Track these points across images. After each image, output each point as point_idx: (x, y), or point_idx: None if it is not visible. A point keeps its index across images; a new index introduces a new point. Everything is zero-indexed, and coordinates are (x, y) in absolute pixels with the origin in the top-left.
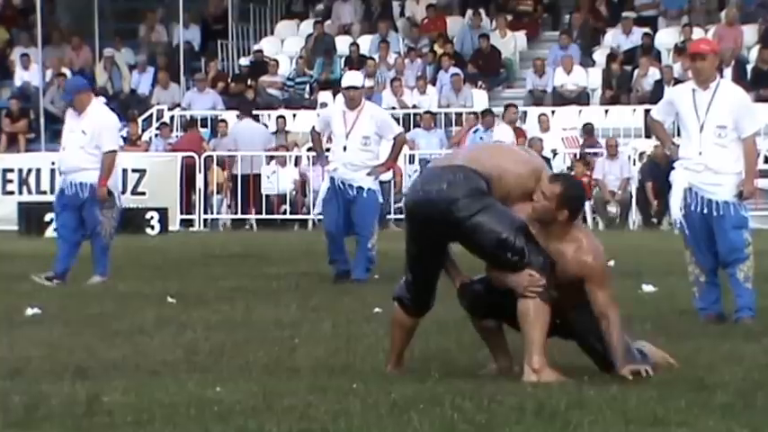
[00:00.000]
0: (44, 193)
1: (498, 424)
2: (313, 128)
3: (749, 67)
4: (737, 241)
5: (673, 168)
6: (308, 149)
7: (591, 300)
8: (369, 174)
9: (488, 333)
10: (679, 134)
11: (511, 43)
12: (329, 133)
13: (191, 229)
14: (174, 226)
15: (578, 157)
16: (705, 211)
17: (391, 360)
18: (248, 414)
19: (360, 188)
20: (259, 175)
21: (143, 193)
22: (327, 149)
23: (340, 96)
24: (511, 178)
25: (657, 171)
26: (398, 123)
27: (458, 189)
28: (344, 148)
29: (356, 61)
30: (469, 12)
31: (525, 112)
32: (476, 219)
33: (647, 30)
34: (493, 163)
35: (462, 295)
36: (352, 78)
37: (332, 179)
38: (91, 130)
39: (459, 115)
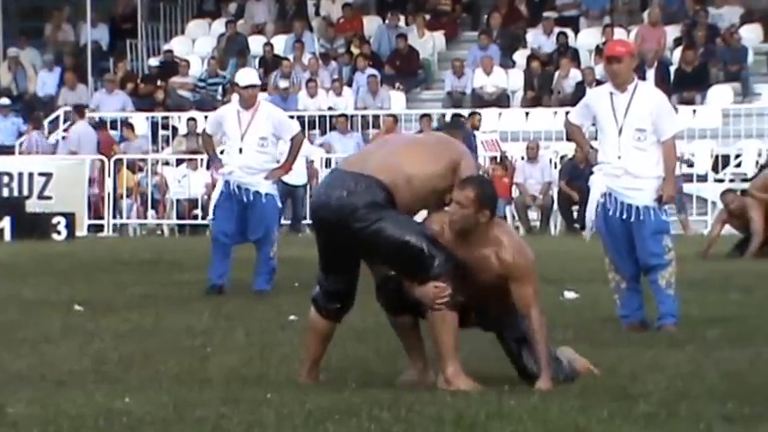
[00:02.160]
0: None
1: None
2: (204, 130)
3: (672, 69)
4: (657, 247)
5: (592, 173)
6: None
7: (514, 298)
8: (266, 178)
9: (404, 331)
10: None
11: (429, 44)
12: (221, 135)
13: (99, 234)
14: (81, 231)
15: (499, 160)
16: (624, 216)
17: (305, 368)
18: (158, 426)
19: (257, 193)
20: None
21: (49, 198)
22: (221, 152)
23: (235, 96)
24: (420, 182)
25: (577, 174)
26: (314, 126)
27: (358, 198)
28: (240, 151)
29: (270, 62)
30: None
31: (443, 115)
32: (374, 227)
33: (565, 30)
34: (401, 168)
35: (379, 291)
36: (250, 77)
37: (227, 183)
38: None
39: (376, 117)
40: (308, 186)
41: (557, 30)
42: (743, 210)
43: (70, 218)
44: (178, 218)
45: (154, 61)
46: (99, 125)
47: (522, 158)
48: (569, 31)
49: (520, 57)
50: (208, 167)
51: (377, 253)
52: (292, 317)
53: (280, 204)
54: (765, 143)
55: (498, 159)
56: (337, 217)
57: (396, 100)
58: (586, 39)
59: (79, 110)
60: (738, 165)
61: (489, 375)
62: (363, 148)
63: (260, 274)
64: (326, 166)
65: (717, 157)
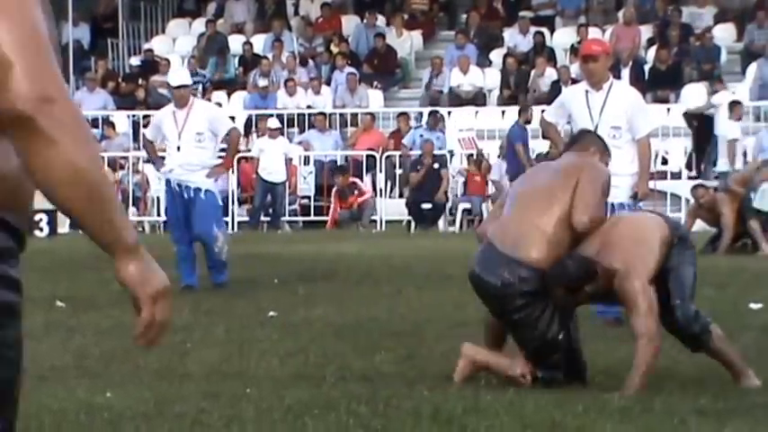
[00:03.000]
0: None
1: (394, 429)
2: (143, 136)
3: (647, 68)
4: None
5: None
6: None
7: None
8: (208, 176)
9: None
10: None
11: (407, 43)
12: (162, 138)
13: (81, 231)
14: (63, 228)
15: (475, 157)
16: None
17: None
18: (139, 420)
19: (197, 189)
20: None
21: None
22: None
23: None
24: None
25: None
26: (293, 125)
27: (513, 290)
28: (178, 149)
29: (250, 60)
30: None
31: (421, 113)
32: (524, 314)
33: (541, 29)
34: (543, 231)
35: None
36: (181, 77)
37: (168, 182)
38: None
39: (354, 116)
40: (287, 184)
41: (533, 29)
42: (713, 204)
43: (52, 215)
44: (159, 215)
45: (135, 60)
46: None
47: (498, 156)
48: (545, 31)
49: (496, 56)
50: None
51: (519, 330)
52: (272, 313)
53: (220, 202)
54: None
55: (475, 157)
56: (495, 299)
57: (374, 98)
58: (562, 38)
59: None
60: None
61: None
62: (505, 211)
63: (211, 269)
64: (305, 164)
65: (690, 154)
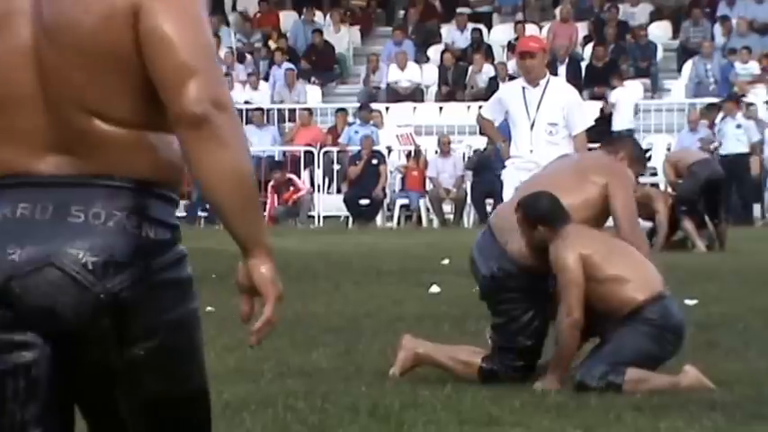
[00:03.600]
0: None
1: (332, 425)
2: None
3: (583, 65)
4: None
5: (504, 167)
6: None
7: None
8: None
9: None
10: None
11: (344, 39)
12: None
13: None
14: None
15: (413, 154)
16: None
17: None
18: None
19: None
20: None
21: None
22: None
23: None
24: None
25: (487, 167)
26: None
27: (500, 284)
28: None
29: None
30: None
31: (360, 109)
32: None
33: (479, 26)
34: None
35: None
36: None
37: None
38: None
39: (292, 111)
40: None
41: (470, 26)
42: (646, 199)
43: None
44: None
45: None
46: None
47: (436, 152)
48: (483, 27)
49: (434, 52)
50: None
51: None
52: (209, 308)
53: None
54: (675, 138)
55: (412, 153)
56: (483, 287)
57: (312, 94)
58: (499, 35)
59: None
60: (648, 159)
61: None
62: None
63: None
64: None
65: None
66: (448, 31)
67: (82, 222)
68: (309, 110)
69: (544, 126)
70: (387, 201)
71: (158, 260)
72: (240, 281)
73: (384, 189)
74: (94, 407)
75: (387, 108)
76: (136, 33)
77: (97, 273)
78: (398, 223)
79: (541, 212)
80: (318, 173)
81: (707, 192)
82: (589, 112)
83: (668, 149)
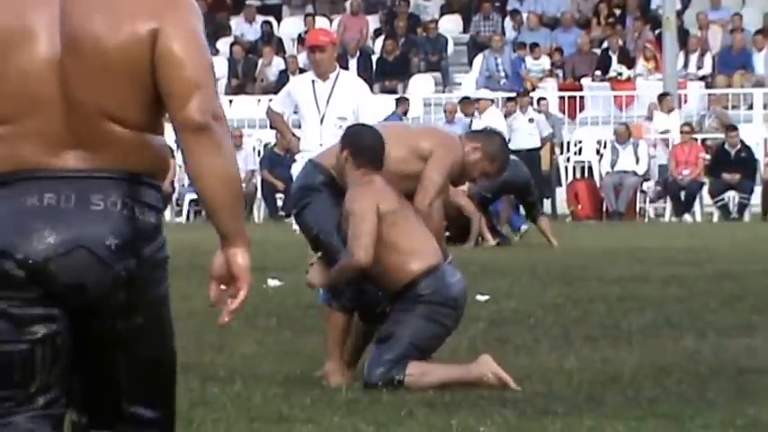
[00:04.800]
0: None
1: None
2: None
3: (374, 58)
4: None
5: (295, 161)
6: None
7: None
8: None
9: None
10: (299, 126)
11: None
12: None
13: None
14: None
15: None
16: None
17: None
18: None
19: None
20: None
21: None
22: None
23: None
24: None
25: (278, 162)
26: None
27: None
28: None
29: None
30: None
31: None
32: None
33: (269, 18)
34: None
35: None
36: None
37: None
38: None
39: None
40: None
41: (260, 18)
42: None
43: None
44: None
45: None
46: None
47: (235, 146)
48: (272, 20)
49: (223, 44)
50: None
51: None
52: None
53: None
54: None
55: None
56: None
57: None
58: (289, 27)
59: None
60: None
61: (192, 364)
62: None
63: None
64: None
65: None
66: (237, 24)
67: (102, 210)
68: None
69: (334, 120)
70: (176, 195)
71: (155, 242)
72: (216, 269)
73: (173, 183)
74: (87, 366)
75: None
76: (152, 53)
77: (118, 253)
78: (188, 218)
79: (360, 144)
80: None
81: (505, 193)
82: (379, 106)
83: None
